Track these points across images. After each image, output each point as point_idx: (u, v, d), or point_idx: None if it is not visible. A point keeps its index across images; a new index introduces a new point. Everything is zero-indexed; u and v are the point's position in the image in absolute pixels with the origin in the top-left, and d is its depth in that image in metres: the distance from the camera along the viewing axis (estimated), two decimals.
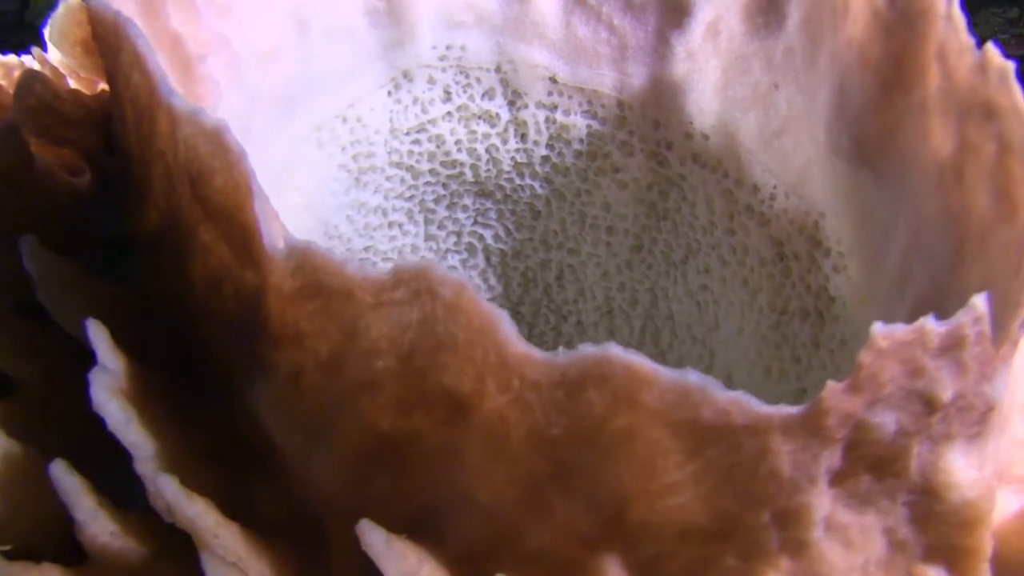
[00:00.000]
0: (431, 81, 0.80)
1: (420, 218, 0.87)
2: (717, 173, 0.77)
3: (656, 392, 0.41)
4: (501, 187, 0.86)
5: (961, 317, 0.44)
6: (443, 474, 0.45)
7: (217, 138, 0.44)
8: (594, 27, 0.78)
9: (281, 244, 0.42)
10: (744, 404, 0.41)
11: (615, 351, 0.40)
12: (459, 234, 0.89)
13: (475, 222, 0.89)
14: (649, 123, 0.80)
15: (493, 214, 0.88)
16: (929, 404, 0.45)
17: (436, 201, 0.86)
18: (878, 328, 0.42)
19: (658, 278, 0.86)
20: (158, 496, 0.45)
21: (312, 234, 0.74)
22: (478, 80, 0.81)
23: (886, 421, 0.45)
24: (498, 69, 0.80)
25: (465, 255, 0.91)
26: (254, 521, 0.49)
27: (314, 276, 0.42)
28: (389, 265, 0.84)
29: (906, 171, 0.63)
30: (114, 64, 0.50)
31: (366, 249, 0.84)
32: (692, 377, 0.40)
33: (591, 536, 0.44)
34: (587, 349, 0.41)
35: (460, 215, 0.88)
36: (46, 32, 0.65)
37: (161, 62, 0.54)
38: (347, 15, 0.72)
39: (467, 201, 0.87)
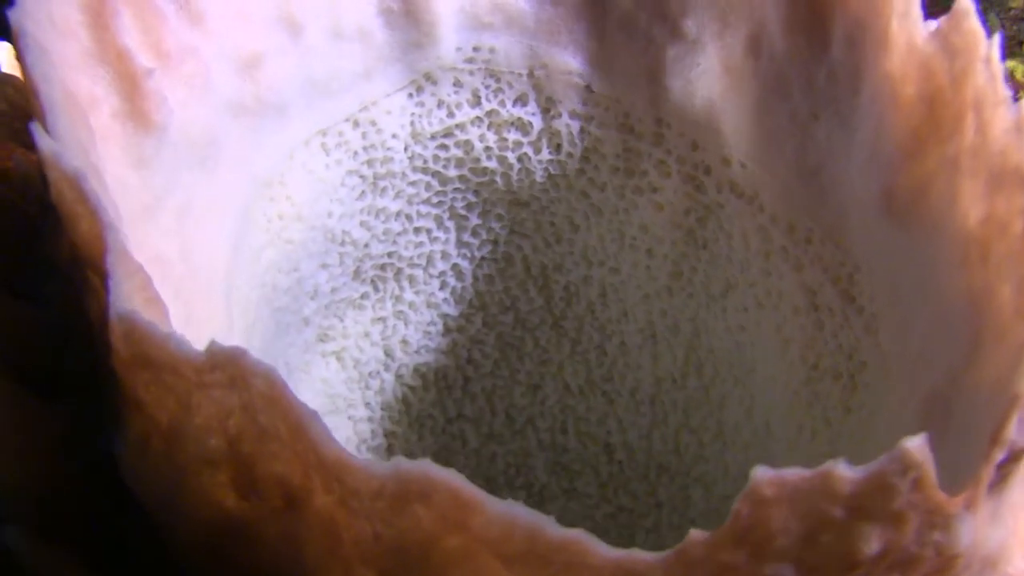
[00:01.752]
0: (458, 84, 0.75)
1: (451, 224, 0.82)
2: (753, 206, 0.69)
3: (482, 520, 0.36)
4: (536, 198, 0.81)
5: (884, 463, 0.36)
6: (291, 562, 0.42)
7: (76, 185, 0.41)
8: (631, 35, 0.71)
9: (119, 308, 0.39)
10: (583, 546, 0.35)
11: (433, 470, 0.35)
12: (495, 242, 0.84)
13: (511, 231, 0.84)
14: (687, 143, 0.72)
15: (530, 224, 0.83)
16: (844, 558, 0.38)
17: (468, 208, 0.82)
18: (759, 474, 0.35)
19: (699, 309, 0.78)
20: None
21: (308, 244, 0.71)
22: (509, 85, 0.75)
23: (781, 574, 0.37)
24: (531, 74, 0.74)
25: (503, 264, 0.86)
26: (125, 566, 0.48)
27: (141, 347, 0.39)
28: (416, 272, 0.81)
29: (935, 236, 0.53)
30: (27, 87, 0.48)
31: (389, 255, 0.81)
32: (520, 512, 0.35)
33: None
34: (403, 464, 0.36)
35: (494, 224, 0.83)
36: None
37: (103, 78, 0.52)
38: (358, 15, 0.68)
39: (500, 210, 0.82)
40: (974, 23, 0.50)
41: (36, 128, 0.42)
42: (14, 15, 0.48)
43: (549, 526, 0.35)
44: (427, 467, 0.35)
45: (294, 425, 0.37)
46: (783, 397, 0.73)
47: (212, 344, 0.37)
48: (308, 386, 0.79)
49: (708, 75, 0.68)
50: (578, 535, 0.35)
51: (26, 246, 0.56)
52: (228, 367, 0.37)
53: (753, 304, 0.72)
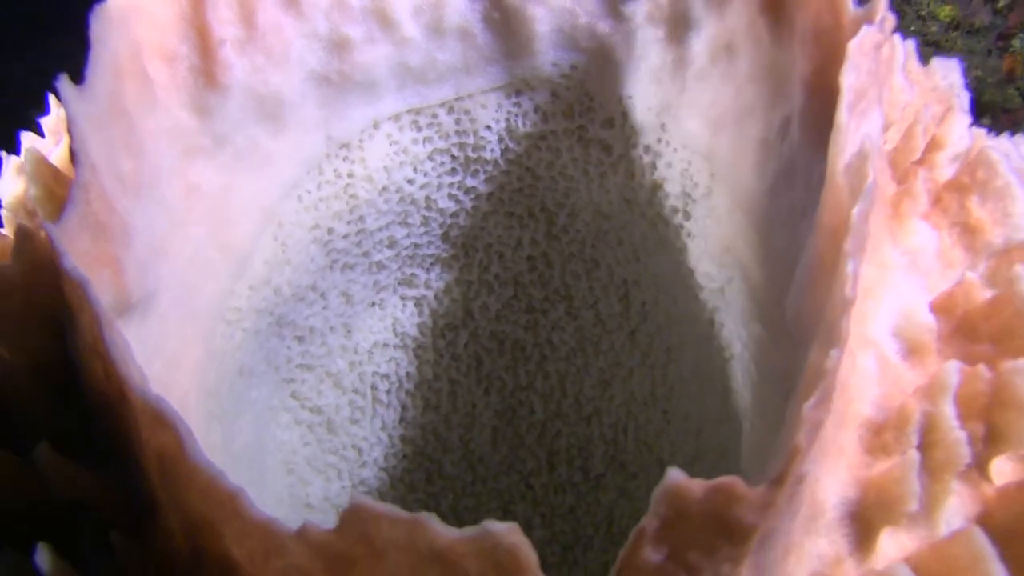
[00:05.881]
0: (555, 95, 0.80)
1: (541, 217, 0.89)
2: (753, 293, 0.69)
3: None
4: (616, 215, 0.85)
5: None
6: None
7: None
8: (703, 89, 0.72)
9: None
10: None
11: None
12: (583, 244, 0.90)
13: (597, 238, 0.88)
14: (724, 209, 0.73)
15: (612, 238, 0.87)
16: None
17: (557, 206, 0.88)
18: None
19: (724, 366, 0.80)
20: None
21: (377, 202, 0.81)
22: (600, 106, 0.79)
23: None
24: (619, 101, 0.78)
25: (590, 266, 0.91)
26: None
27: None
28: (506, 251, 0.89)
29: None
30: None
31: (481, 229, 0.89)
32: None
33: None
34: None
35: (582, 228, 0.88)
36: None
37: (189, 39, 0.66)
38: (460, 18, 0.76)
39: (587, 217, 0.87)
40: (868, 169, 0.49)
41: (65, 82, 0.57)
42: None
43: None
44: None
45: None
46: None
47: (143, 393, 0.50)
48: (379, 320, 0.91)
49: (751, 143, 0.69)
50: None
51: None
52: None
53: (736, 382, 0.73)
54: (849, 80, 0.51)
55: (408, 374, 0.95)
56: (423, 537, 0.42)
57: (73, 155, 0.56)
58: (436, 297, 0.93)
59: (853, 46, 0.51)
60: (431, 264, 0.91)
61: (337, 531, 0.43)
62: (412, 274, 0.91)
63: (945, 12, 1.34)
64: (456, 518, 1.01)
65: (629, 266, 0.88)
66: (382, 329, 0.92)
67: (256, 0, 0.69)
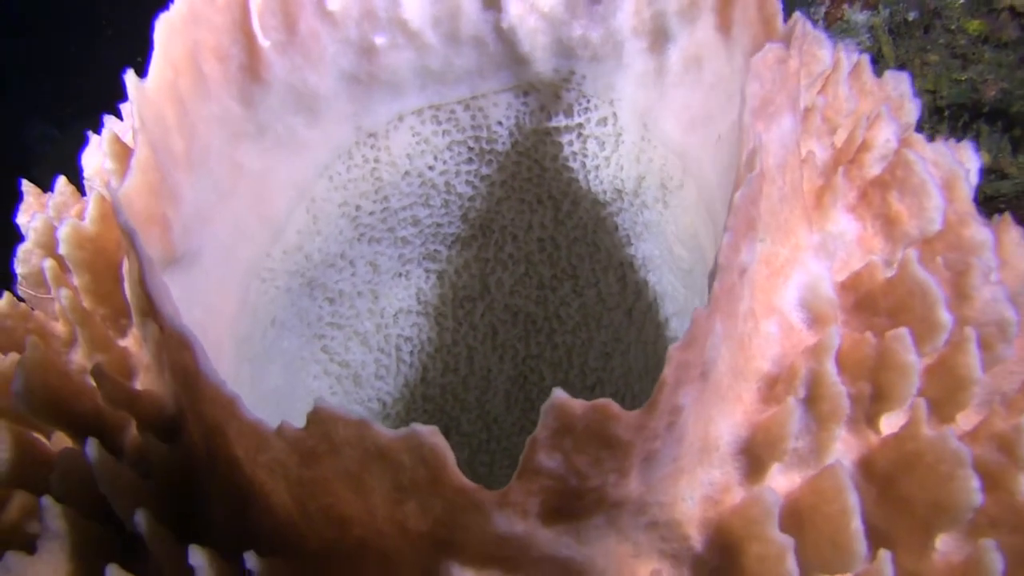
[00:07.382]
0: (557, 96, 0.92)
1: (549, 204, 1.00)
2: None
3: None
4: (610, 202, 0.96)
5: None
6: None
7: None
8: (678, 92, 0.83)
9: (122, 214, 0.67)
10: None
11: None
12: (586, 229, 1.01)
13: (597, 225, 0.99)
14: (692, 199, 0.83)
15: (610, 224, 0.98)
16: None
17: (562, 195, 0.99)
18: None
19: None
20: None
21: (400, 184, 0.94)
22: (596, 107, 0.90)
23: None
24: (611, 103, 0.89)
25: (592, 249, 1.02)
26: None
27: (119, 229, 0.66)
28: (518, 232, 1.01)
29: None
30: None
31: (496, 213, 1.01)
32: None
33: None
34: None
35: (583, 214, 0.99)
36: None
37: (238, 42, 0.80)
38: (475, 29, 0.88)
39: (587, 204, 0.98)
40: (756, 163, 0.59)
41: (130, 75, 0.71)
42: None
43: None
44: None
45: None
46: None
47: (170, 319, 0.63)
48: (404, 289, 1.04)
49: (711, 144, 0.79)
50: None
51: None
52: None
53: None
54: (752, 89, 0.62)
55: (430, 338, 1.07)
56: (369, 436, 0.54)
57: (134, 134, 0.70)
58: (456, 271, 1.05)
59: (755, 61, 0.62)
60: (452, 241, 1.03)
61: (305, 429, 0.55)
62: (435, 250, 1.03)
63: (974, 26, 1.41)
64: (472, 472, 1.13)
65: (624, 249, 0.99)
66: (407, 297, 1.05)
67: (298, 10, 0.82)
